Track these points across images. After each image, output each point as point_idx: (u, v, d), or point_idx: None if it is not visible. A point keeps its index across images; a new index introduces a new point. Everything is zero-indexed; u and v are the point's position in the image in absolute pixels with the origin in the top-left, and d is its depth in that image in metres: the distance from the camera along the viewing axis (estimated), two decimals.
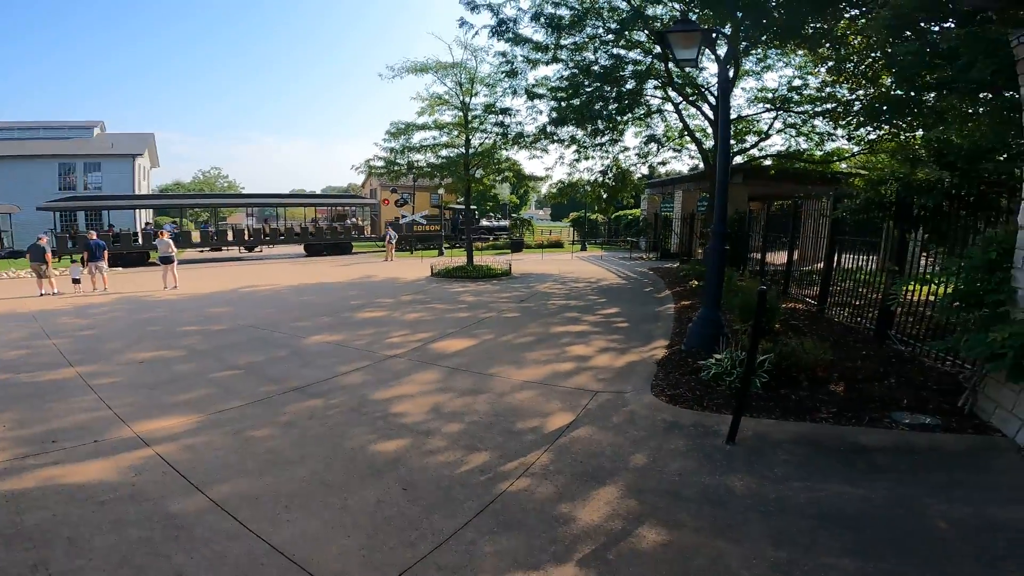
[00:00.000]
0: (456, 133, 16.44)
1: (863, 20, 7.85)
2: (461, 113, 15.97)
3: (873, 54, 8.91)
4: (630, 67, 14.27)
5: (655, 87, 15.47)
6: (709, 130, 15.97)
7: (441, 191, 26.19)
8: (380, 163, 16.75)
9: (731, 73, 14.12)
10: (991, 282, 4.53)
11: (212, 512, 3.14)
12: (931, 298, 7.19)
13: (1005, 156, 5.69)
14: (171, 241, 14.83)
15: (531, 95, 15.32)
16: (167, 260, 14.27)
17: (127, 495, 3.34)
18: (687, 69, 14.52)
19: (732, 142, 15.12)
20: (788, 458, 3.81)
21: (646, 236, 27.73)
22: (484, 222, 35.40)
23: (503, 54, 14.88)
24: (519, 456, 3.90)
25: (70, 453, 3.95)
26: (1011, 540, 2.78)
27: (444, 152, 16.62)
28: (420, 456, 3.92)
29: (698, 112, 15.72)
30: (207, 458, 3.90)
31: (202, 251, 29.39)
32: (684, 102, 15.29)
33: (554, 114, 14.87)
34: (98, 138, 36.75)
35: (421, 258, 23.67)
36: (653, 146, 17.32)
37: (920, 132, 9.75)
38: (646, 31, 13.03)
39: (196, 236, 27.73)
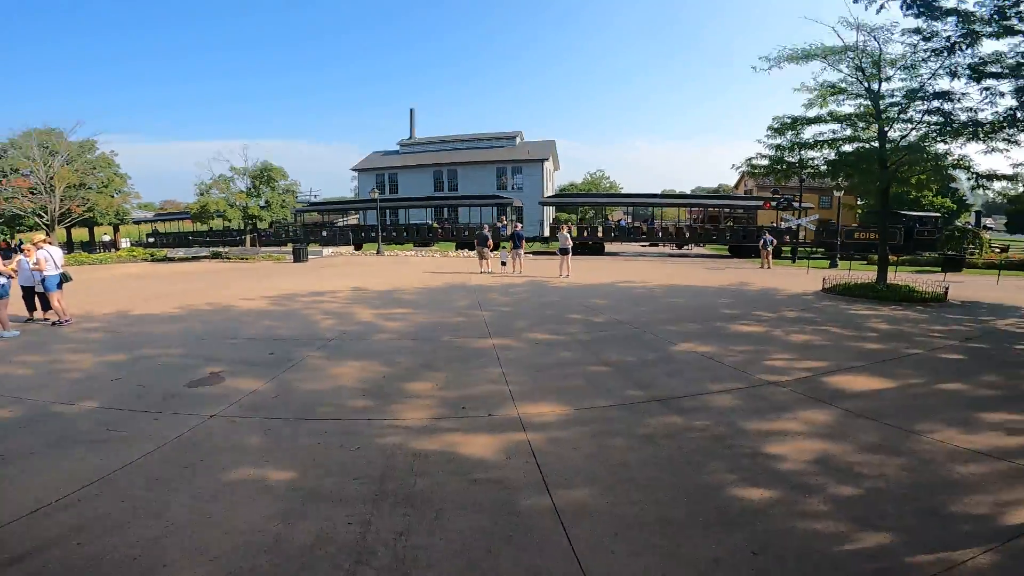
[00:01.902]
0: (863, 125, 13.39)
1: None
2: (868, 102, 12.96)
3: None
4: None
5: None
6: None
7: (838, 193, 22.08)
8: (764, 161, 15.13)
9: None
10: None
11: (550, 518, 3.11)
12: None
13: None
14: (569, 235, 17.32)
15: (979, 74, 11.04)
16: (564, 252, 16.74)
17: (493, 479, 3.58)
18: None
19: None
20: None
21: None
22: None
23: (917, 31, 11.29)
24: (941, 548, 2.71)
25: (471, 423, 4.62)
26: None
27: (847, 147, 13.78)
28: (787, 516, 3.11)
29: None
30: (565, 455, 3.95)
31: (644, 246, 34.23)
32: None
33: None
34: (520, 146, 46.34)
35: (807, 269, 20.57)
36: None
37: None
38: None
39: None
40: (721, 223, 32.46)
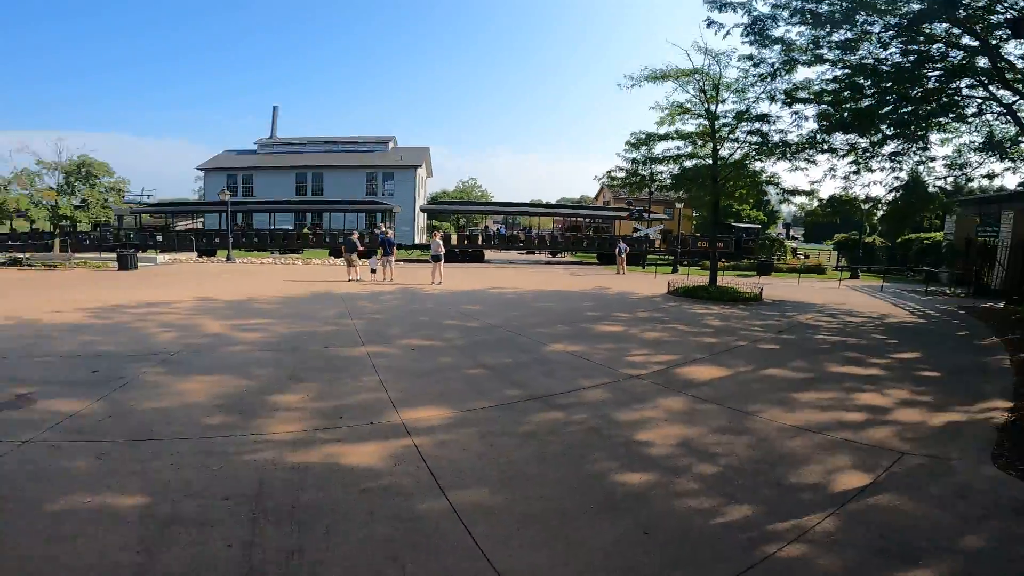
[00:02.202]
0: (701, 143, 15.33)
1: None
2: (706, 121, 14.85)
3: None
4: (930, 65, 11.28)
5: (970, 86, 11.91)
6: None
7: (679, 205, 24.87)
8: (621, 174, 16.63)
9: None
10: None
11: (450, 520, 3.09)
12: None
13: None
14: (440, 242, 17.24)
15: (791, 99, 13.33)
16: (437, 259, 16.63)
17: (384, 486, 3.47)
18: None
19: None
20: None
21: (951, 267, 21.89)
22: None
23: (750, 57, 13.31)
24: (792, 517, 3.14)
25: (352, 432, 4.41)
26: None
27: (688, 163, 15.64)
28: (665, 497, 3.42)
29: None
30: (455, 457, 3.96)
31: (521, 253, 34.91)
32: (1021, 100, 11.40)
33: (825, 120, 12.66)
34: (392, 151, 45.11)
35: (655, 274, 22.86)
36: (973, 156, 13.39)
37: None
38: (957, 20, 10.10)
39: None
40: (582, 232, 34.68)
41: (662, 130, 15.62)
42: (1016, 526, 2.99)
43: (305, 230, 33.19)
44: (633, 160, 16.22)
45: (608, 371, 6.49)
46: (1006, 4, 9.54)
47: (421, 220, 42.31)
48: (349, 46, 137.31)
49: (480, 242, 31.96)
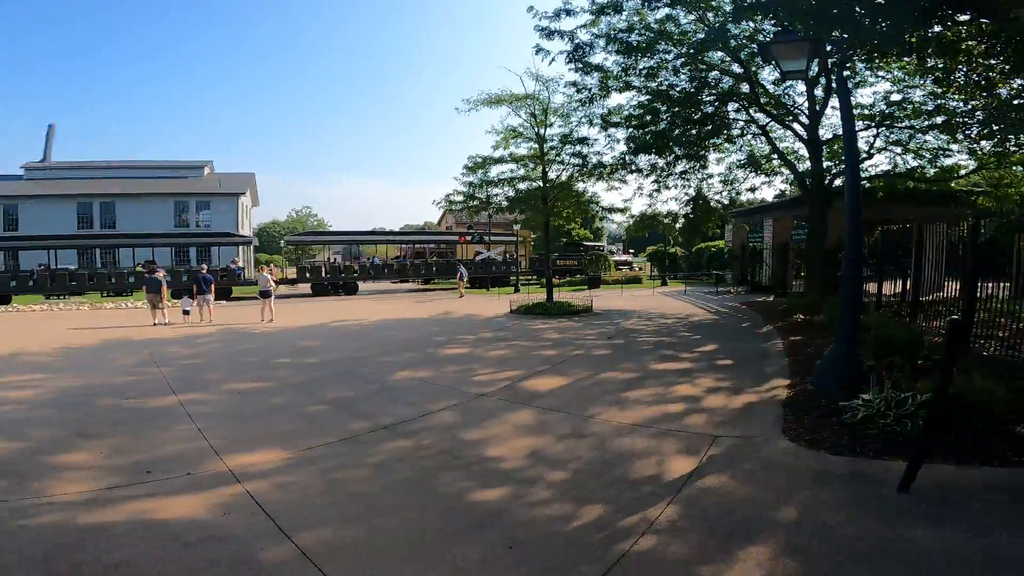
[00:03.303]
0: (532, 166, 16.27)
1: (983, 23, 6.92)
2: (536, 145, 15.77)
3: (992, 60, 7.83)
4: (708, 90, 13.72)
5: (736, 109, 14.74)
6: (802, 152, 14.91)
7: (517, 226, 26.15)
8: (459, 198, 16.92)
9: (819, 91, 13.20)
10: None
11: (300, 563, 2.83)
12: None
13: None
14: (270, 276, 15.71)
15: (606, 124, 15.04)
16: (266, 294, 15.10)
17: (215, 536, 3.12)
18: (780, 88, 13.82)
19: (827, 164, 13.97)
20: (983, 507, 3.07)
21: (732, 269, 26.22)
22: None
23: (575, 83, 14.72)
24: (639, 510, 3.35)
25: (163, 485, 3.87)
26: None
27: (522, 185, 16.47)
28: (524, 508, 3.46)
29: (788, 134, 14.75)
30: (296, 499, 3.65)
31: (395, 282, 32.56)
32: (772, 122, 14.39)
33: (632, 143, 14.47)
34: (208, 178, 40.26)
35: (498, 295, 23.63)
36: (740, 172, 16.41)
37: None
38: (729, 48, 12.47)
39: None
40: (427, 257, 34.31)
41: (497, 153, 16.27)
42: (818, 493, 3.46)
43: (139, 267, 27.12)
44: (470, 184, 16.63)
45: (456, 392, 6.44)
46: (764, 34, 11.80)
47: (249, 253, 38.37)
48: (167, 68, 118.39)
49: (356, 272, 29.46)
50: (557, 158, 15.92)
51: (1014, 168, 12.09)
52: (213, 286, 15.63)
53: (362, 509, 3.49)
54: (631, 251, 50.60)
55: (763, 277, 22.45)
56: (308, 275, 27.82)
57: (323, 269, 28.42)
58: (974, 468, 3.56)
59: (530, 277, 33.83)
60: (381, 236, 39.71)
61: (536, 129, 15.60)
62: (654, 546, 2.92)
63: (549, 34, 13.20)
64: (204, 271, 16.32)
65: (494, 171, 16.48)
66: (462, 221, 38.04)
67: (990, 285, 8.22)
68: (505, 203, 16.65)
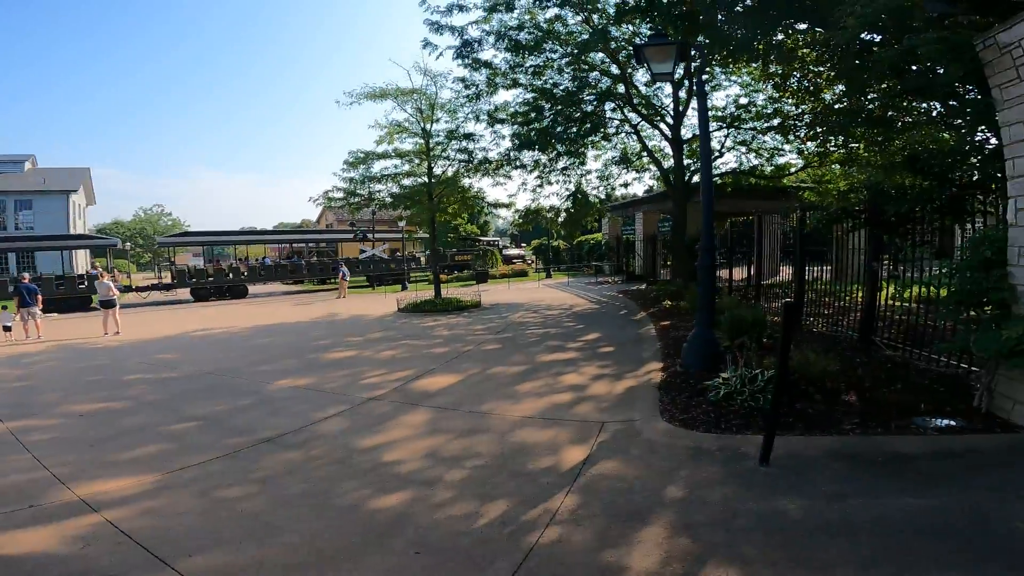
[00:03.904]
0: (418, 161, 16.02)
1: (816, 32, 8.01)
2: (422, 140, 15.56)
3: (820, 67, 9.12)
4: (588, 89, 14.51)
5: (612, 109, 15.76)
6: (667, 150, 16.28)
7: (402, 223, 25.52)
8: (339, 195, 16.12)
9: (683, 94, 14.58)
10: (990, 280, 4.50)
11: None
12: (901, 302, 7.29)
13: (980, 158, 5.80)
14: (112, 284, 13.73)
15: (493, 120, 15.29)
16: (108, 304, 13.16)
17: (79, 571, 2.77)
18: (650, 89, 14.98)
19: (687, 161, 15.45)
20: (831, 475, 3.56)
21: (610, 260, 27.96)
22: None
23: (463, 79, 14.80)
24: (541, 501, 3.45)
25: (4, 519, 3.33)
26: None
27: (406, 181, 16.13)
28: (427, 511, 3.41)
29: (655, 133, 16.04)
30: (172, 525, 3.30)
31: (287, 283, 29.74)
32: (643, 122, 15.58)
33: (516, 139, 14.84)
34: (29, 173, 34.36)
35: (384, 294, 22.95)
36: (614, 168, 17.54)
37: (864, 143, 9.98)
38: (609, 49, 13.29)
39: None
40: (305, 257, 32.22)
41: (380, 148, 15.79)
42: (696, 471, 3.76)
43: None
44: (351, 180, 15.92)
45: (345, 398, 6.16)
46: (641, 37, 12.63)
47: (83, 257, 33.21)
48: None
49: (244, 274, 26.35)
50: (443, 154, 15.85)
51: (833, 166, 14.23)
52: (39, 297, 13.31)
53: (252, 529, 3.24)
54: (522, 244, 52.04)
55: (636, 267, 24.25)
56: (190, 279, 24.79)
57: (207, 272, 25.49)
58: (818, 437, 4.11)
59: (428, 274, 33.37)
60: (269, 236, 36.94)
61: (422, 124, 15.39)
62: (560, 537, 3.01)
63: (439, 28, 13.08)
64: (26, 280, 13.83)
65: (377, 166, 16.00)
66: (343, 219, 36.36)
67: (815, 269, 9.67)
68: (389, 199, 16.17)
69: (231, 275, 25.79)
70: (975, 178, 6.08)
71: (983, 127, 5.76)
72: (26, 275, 16.00)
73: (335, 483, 3.87)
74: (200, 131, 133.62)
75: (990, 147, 5.73)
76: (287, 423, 5.29)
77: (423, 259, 33.11)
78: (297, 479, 3.96)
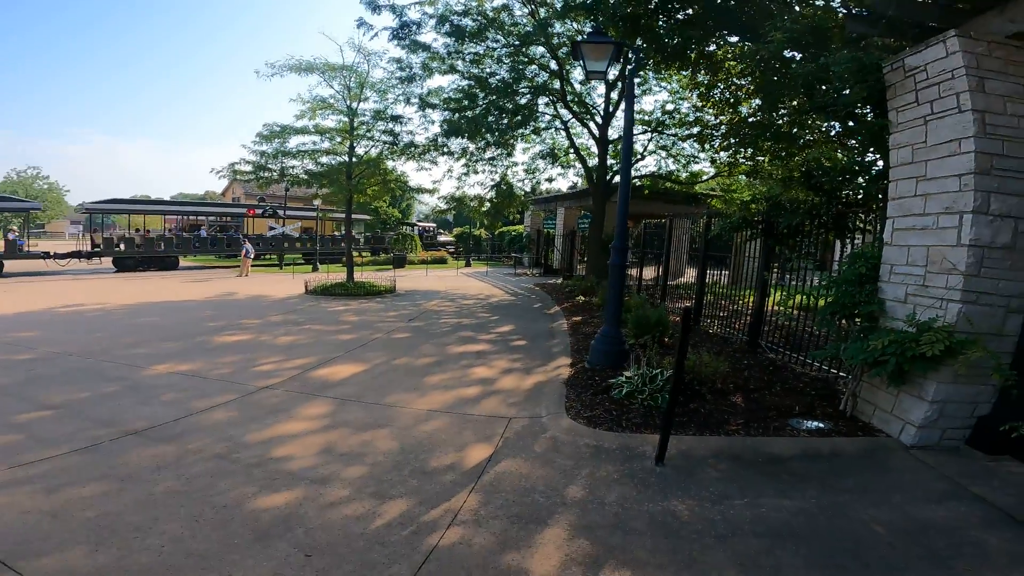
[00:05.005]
0: (340, 140, 15.22)
1: (745, 45, 8.39)
2: (347, 119, 14.84)
3: (742, 80, 9.61)
4: (525, 82, 14.50)
5: (546, 103, 15.86)
6: (593, 148, 16.63)
7: (318, 201, 24.19)
8: (248, 167, 14.92)
9: (615, 95, 14.94)
10: (862, 294, 4.94)
11: None
12: (785, 309, 7.91)
13: (867, 178, 6.35)
14: None
15: (424, 104, 14.88)
16: None
17: None
18: (584, 87, 15.18)
19: (611, 162, 15.88)
20: (718, 475, 3.74)
21: (529, 252, 28.26)
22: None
23: (398, 60, 14.33)
24: (442, 501, 3.35)
25: None
26: (948, 541, 2.96)
27: (325, 159, 15.28)
28: (320, 510, 3.19)
29: (584, 131, 16.33)
30: (14, 525, 2.90)
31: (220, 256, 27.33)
32: (573, 119, 15.81)
33: (447, 125, 14.51)
34: None
35: (293, 274, 21.67)
36: (541, 163, 17.68)
37: (769, 157, 10.70)
38: (551, 44, 13.29)
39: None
40: (209, 231, 29.58)
41: (300, 123, 14.86)
42: (596, 470, 3.80)
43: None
44: (262, 153, 14.79)
45: (233, 386, 5.68)
46: (583, 35, 12.70)
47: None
48: None
49: (177, 246, 24.11)
50: (367, 134, 15.19)
51: (740, 177, 15.18)
52: None
53: (111, 530, 2.88)
54: (443, 232, 51.54)
55: (554, 261, 24.68)
56: (119, 247, 22.70)
57: (135, 241, 23.29)
58: (708, 437, 4.34)
59: (365, 255, 32.10)
60: (209, 207, 34.05)
61: (349, 102, 14.70)
62: (461, 538, 2.92)
63: (376, 8, 12.39)
64: None
65: (294, 141, 15.00)
66: (251, 193, 33.90)
67: (717, 273, 10.28)
68: (304, 176, 15.22)
69: (163, 245, 23.94)
70: (860, 197, 6.65)
71: (873, 148, 6.31)
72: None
73: (214, 480, 3.53)
74: (85, 90, 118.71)
75: (877, 168, 6.30)
76: (162, 413, 4.78)
77: (360, 240, 32.07)
78: (168, 475, 3.58)
